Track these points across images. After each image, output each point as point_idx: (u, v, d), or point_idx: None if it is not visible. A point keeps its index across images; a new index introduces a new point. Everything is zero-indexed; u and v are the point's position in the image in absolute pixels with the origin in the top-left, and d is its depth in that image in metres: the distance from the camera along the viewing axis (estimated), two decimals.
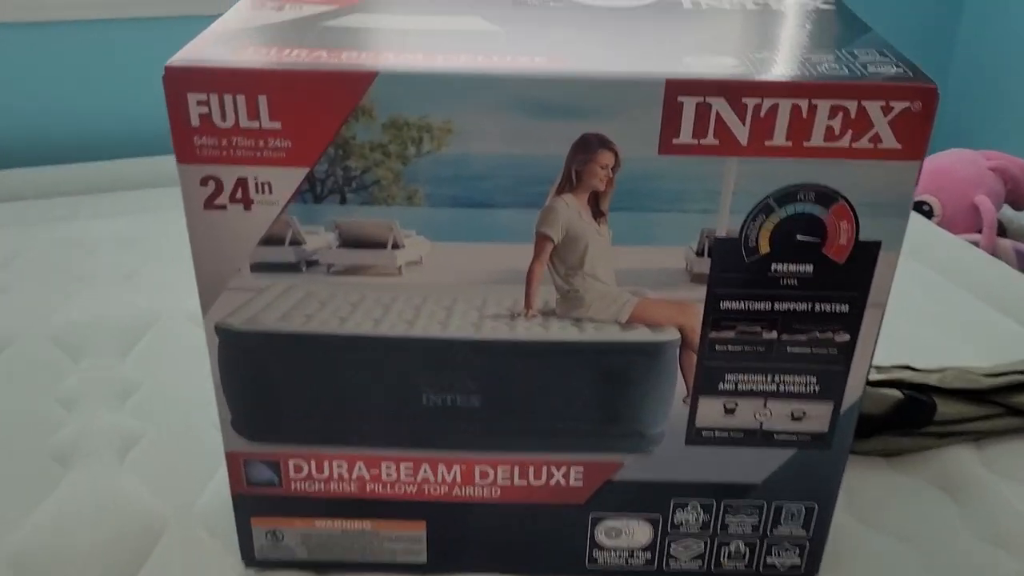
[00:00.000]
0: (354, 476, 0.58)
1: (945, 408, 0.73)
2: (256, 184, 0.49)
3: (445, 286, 0.52)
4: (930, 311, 0.95)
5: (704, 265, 0.51)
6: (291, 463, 0.58)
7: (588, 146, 0.47)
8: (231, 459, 0.58)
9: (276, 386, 0.55)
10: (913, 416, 0.73)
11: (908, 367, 0.78)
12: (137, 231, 1.08)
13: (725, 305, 0.52)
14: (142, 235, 1.07)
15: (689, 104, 0.46)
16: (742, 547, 0.60)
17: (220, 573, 0.62)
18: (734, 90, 0.46)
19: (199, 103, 0.47)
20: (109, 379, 0.81)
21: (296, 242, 0.51)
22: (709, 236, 0.50)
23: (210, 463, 0.72)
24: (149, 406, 0.78)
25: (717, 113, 0.47)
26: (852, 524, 0.67)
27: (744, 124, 0.47)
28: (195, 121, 0.47)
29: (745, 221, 0.49)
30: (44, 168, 1.22)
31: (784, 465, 0.57)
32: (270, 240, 0.51)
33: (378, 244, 0.51)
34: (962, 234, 1.34)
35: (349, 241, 0.51)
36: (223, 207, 0.50)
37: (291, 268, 0.52)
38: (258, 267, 0.51)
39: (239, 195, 0.49)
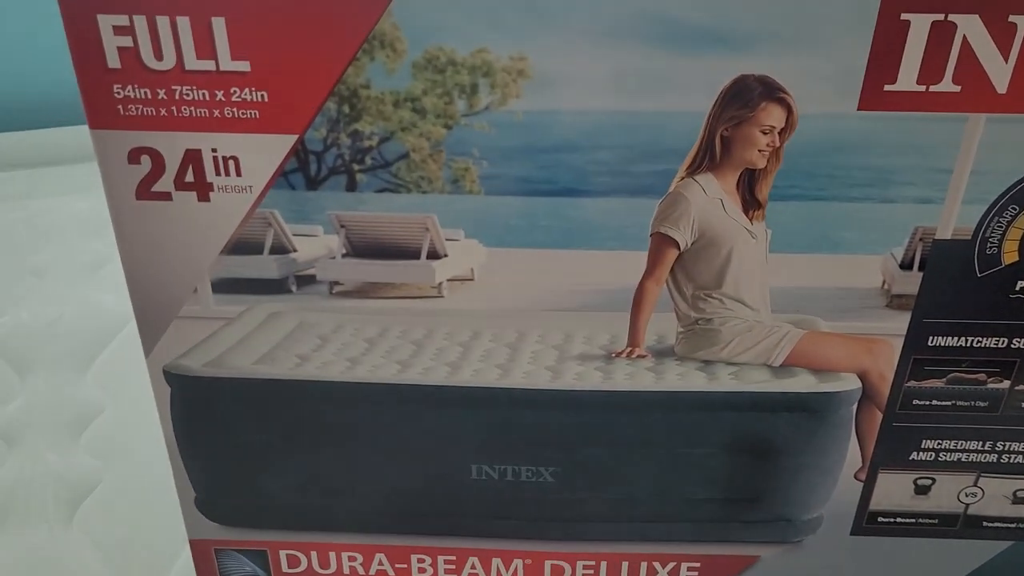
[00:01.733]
0: (372, 572, 0.41)
1: None
2: (216, 160, 0.31)
3: (508, 313, 0.34)
4: None
5: (912, 282, 0.33)
6: (283, 555, 0.41)
7: (746, 95, 0.29)
8: (198, 549, 0.41)
9: (257, 452, 0.38)
10: None
11: None
12: (106, 212, 0.91)
13: (936, 341, 0.34)
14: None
15: (919, 25, 0.28)
16: None
17: None
18: (998, 3, 0.28)
19: (117, 31, 0.29)
20: (62, 402, 0.64)
21: (281, 249, 0.33)
22: (925, 238, 0.32)
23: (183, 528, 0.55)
24: (109, 441, 0.61)
25: (964, 40, 0.28)
26: None
27: (1007, 61, 0.29)
28: (112, 61, 0.30)
29: (985, 217, 0.31)
30: None
31: (991, 564, 0.39)
32: (241, 246, 0.33)
33: (407, 252, 0.33)
34: None
35: (362, 247, 0.33)
36: (165, 195, 0.32)
37: (274, 287, 0.34)
38: (224, 286, 0.34)
39: (189, 177, 0.32)
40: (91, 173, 0.99)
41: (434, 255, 0.33)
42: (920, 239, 0.32)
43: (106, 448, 0.61)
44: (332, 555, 0.41)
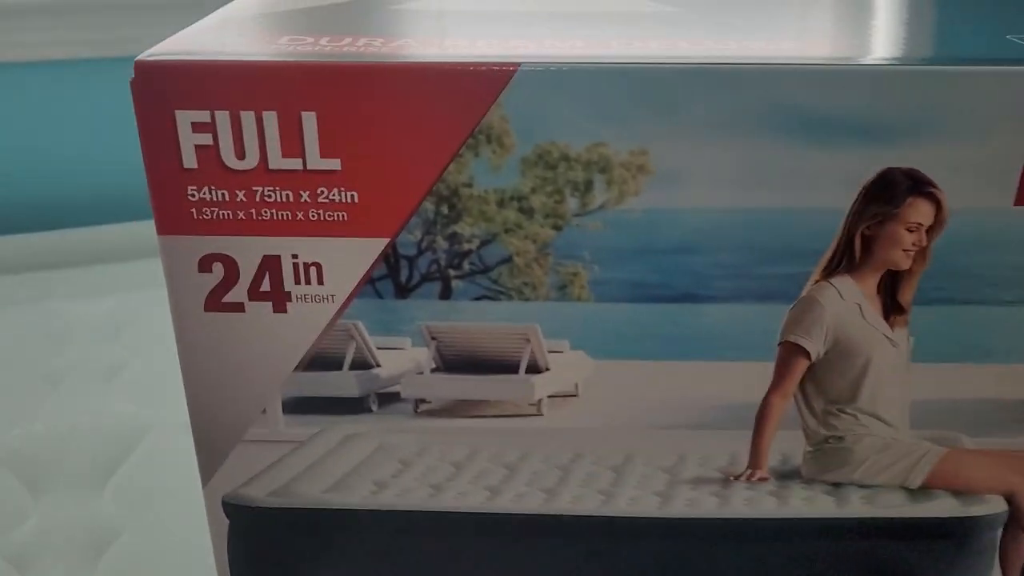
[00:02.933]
0: None
1: None
2: (296, 267, 0.28)
3: (614, 432, 0.31)
4: None
5: None
6: None
7: (891, 190, 0.27)
8: None
9: None
10: None
11: None
12: (123, 315, 0.87)
13: None
14: (129, 320, 0.86)
15: None
16: None
17: None
18: None
19: (196, 128, 0.26)
20: (77, 524, 0.60)
21: (363, 364, 0.30)
22: None
23: None
24: (129, 570, 0.57)
25: None
26: None
27: None
28: (189, 160, 0.27)
29: None
30: (5, 237, 1.01)
31: None
32: (319, 361, 0.30)
33: (504, 365, 0.30)
34: None
35: (454, 361, 0.30)
36: (238, 307, 0.29)
37: (353, 407, 0.31)
38: (296, 405, 0.30)
39: (265, 286, 0.28)
40: (107, 275, 0.96)
41: (534, 369, 0.30)
42: None
43: (128, 573, 0.56)
44: None
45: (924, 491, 0.31)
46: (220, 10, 0.32)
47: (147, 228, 1.02)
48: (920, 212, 0.27)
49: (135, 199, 1.15)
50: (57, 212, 1.11)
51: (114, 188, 1.13)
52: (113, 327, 0.85)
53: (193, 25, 0.29)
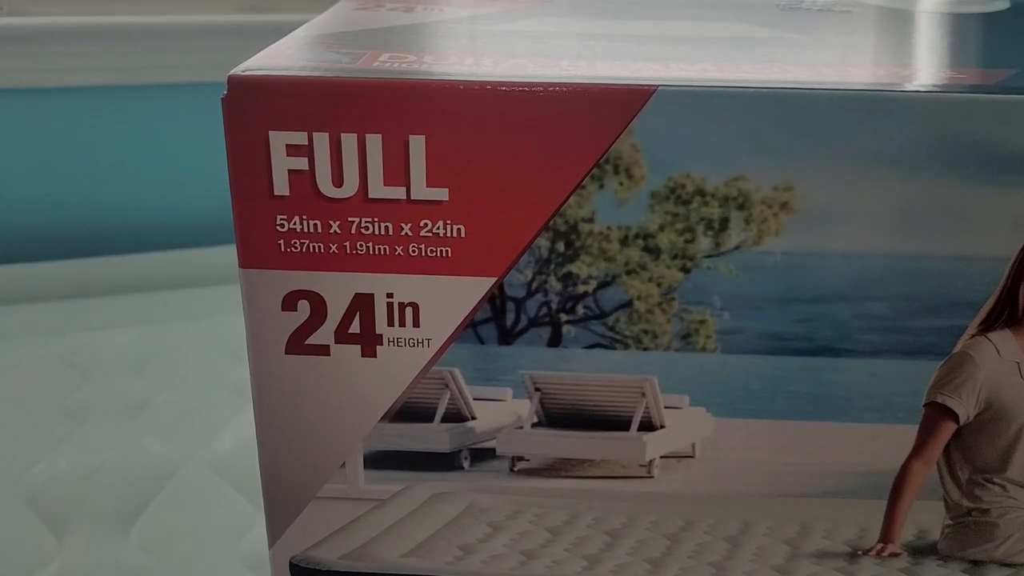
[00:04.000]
0: None
1: None
2: (391, 307, 0.25)
3: (732, 499, 0.28)
4: None
5: None
6: None
7: None
8: None
9: None
10: None
11: None
12: (149, 347, 0.84)
13: None
14: (155, 353, 0.83)
15: None
16: None
17: None
18: None
19: (291, 151, 0.24)
20: (102, 569, 0.56)
21: (457, 416, 0.27)
22: None
23: None
24: None
25: None
26: None
27: None
28: (281, 186, 0.24)
29: None
30: (28, 265, 0.98)
31: None
32: (408, 412, 0.27)
33: (614, 421, 0.27)
34: None
35: (559, 415, 0.27)
36: (323, 349, 0.26)
37: (442, 463, 0.28)
38: (379, 460, 0.27)
39: (355, 328, 0.26)
40: (132, 305, 0.93)
41: (648, 426, 0.27)
42: None
43: None
44: None
45: None
46: (303, 27, 0.29)
47: (175, 259, 1.00)
48: None
49: (160, 229, 1.13)
50: (81, 241, 1.09)
51: (136, 217, 1.11)
52: (137, 361, 0.82)
53: (280, 41, 0.27)
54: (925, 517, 0.28)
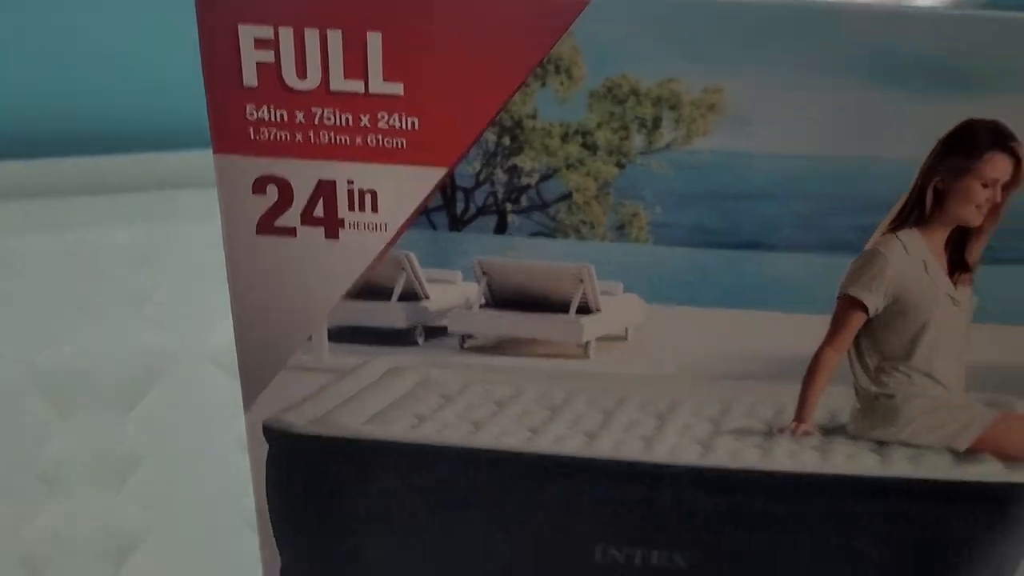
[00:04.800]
0: None
1: None
2: (351, 193, 0.28)
3: (662, 379, 0.30)
4: None
5: None
6: None
7: (970, 144, 0.26)
8: None
9: (361, 521, 0.34)
10: None
11: None
12: (152, 243, 0.87)
13: None
14: (158, 248, 0.86)
15: None
16: None
17: None
18: None
19: (259, 44, 0.26)
20: (105, 448, 0.60)
21: (412, 296, 0.29)
22: None
23: None
24: (155, 491, 0.57)
25: None
26: None
27: None
28: (250, 78, 0.26)
29: None
30: (34, 161, 1.00)
31: None
32: (368, 291, 0.29)
33: (554, 305, 0.30)
34: None
35: (504, 298, 0.30)
36: (290, 231, 0.28)
37: (399, 339, 0.30)
38: (342, 334, 0.30)
39: (319, 211, 0.28)
40: (132, 203, 0.95)
41: (585, 310, 0.29)
42: None
43: (153, 498, 0.57)
44: None
45: (970, 454, 0.31)
46: None
47: (180, 159, 1.02)
48: (998, 168, 0.26)
49: (166, 128, 1.14)
50: (87, 138, 1.11)
51: (143, 115, 1.12)
52: (139, 257, 0.85)
53: None
54: (836, 400, 0.30)
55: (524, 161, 0.27)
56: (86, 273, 0.82)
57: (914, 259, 0.28)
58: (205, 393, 0.67)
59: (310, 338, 0.30)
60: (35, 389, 0.66)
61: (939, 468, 0.31)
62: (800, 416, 0.30)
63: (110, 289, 0.79)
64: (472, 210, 0.28)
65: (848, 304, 0.28)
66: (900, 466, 0.31)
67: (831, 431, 0.31)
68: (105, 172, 1.00)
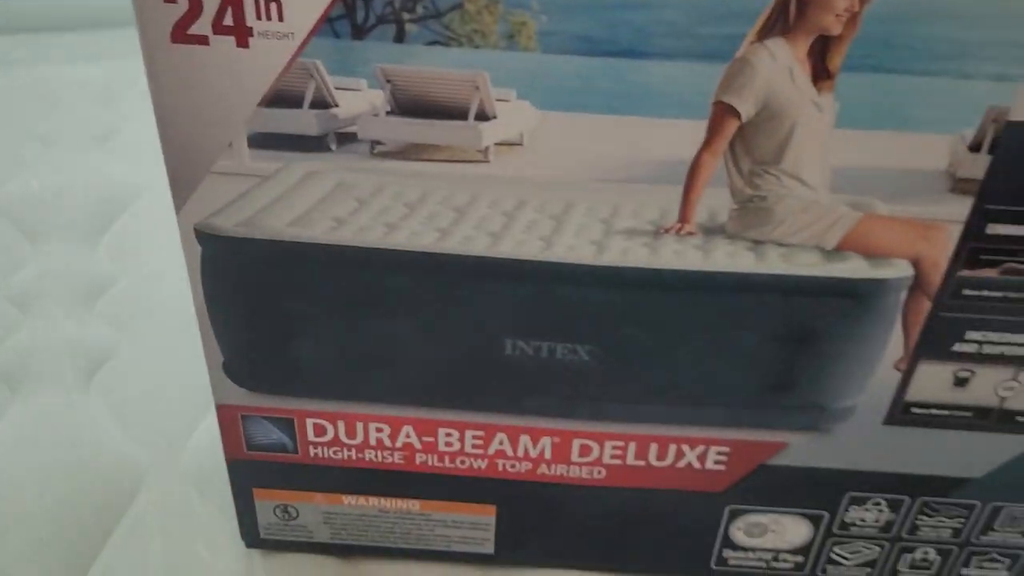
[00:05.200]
0: (399, 443, 0.41)
1: None
2: (257, 2, 0.29)
3: (556, 183, 0.33)
4: None
5: (979, 166, 0.31)
6: (310, 423, 0.41)
7: None
8: (224, 415, 0.41)
9: (289, 318, 0.37)
10: None
11: None
12: (117, 79, 0.88)
13: (995, 229, 0.33)
14: (123, 85, 0.87)
15: None
16: (932, 555, 0.44)
17: (216, 550, 0.46)
18: None
19: None
20: (74, 272, 0.64)
21: (322, 103, 0.32)
22: (998, 120, 0.30)
23: (203, 396, 0.55)
24: (123, 312, 0.61)
25: None
26: None
27: None
28: None
29: None
30: None
31: (1021, 456, 0.39)
32: (280, 98, 0.31)
33: (454, 111, 0.32)
34: None
35: (407, 105, 0.32)
36: (202, 39, 0.30)
37: (313, 145, 0.33)
38: (260, 140, 0.33)
39: (228, 20, 0.30)
40: (101, 41, 0.95)
41: (482, 116, 0.32)
42: (993, 120, 0.30)
43: (121, 318, 0.61)
44: (359, 425, 0.40)
45: (838, 253, 0.34)
46: None
47: None
48: None
49: None
50: None
51: None
52: (106, 93, 0.86)
53: None
54: (715, 202, 0.33)
55: None
56: (51, 109, 0.83)
57: (781, 66, 0.30)
58: (171, 225, 0.69)
59: (231, 144, 0.33)
60: (4, 220, 0.69)
61: (810, 266, 0.34)
62: (683, 216, 0.33)
63: (75, 125, 0.81)
64: (372, 19, 0.30)
65: (722, 110, 0.31)
66: (774, 263, 0.34)
67: (712, 231, 0.34)
68: (70, 9, 0.99)
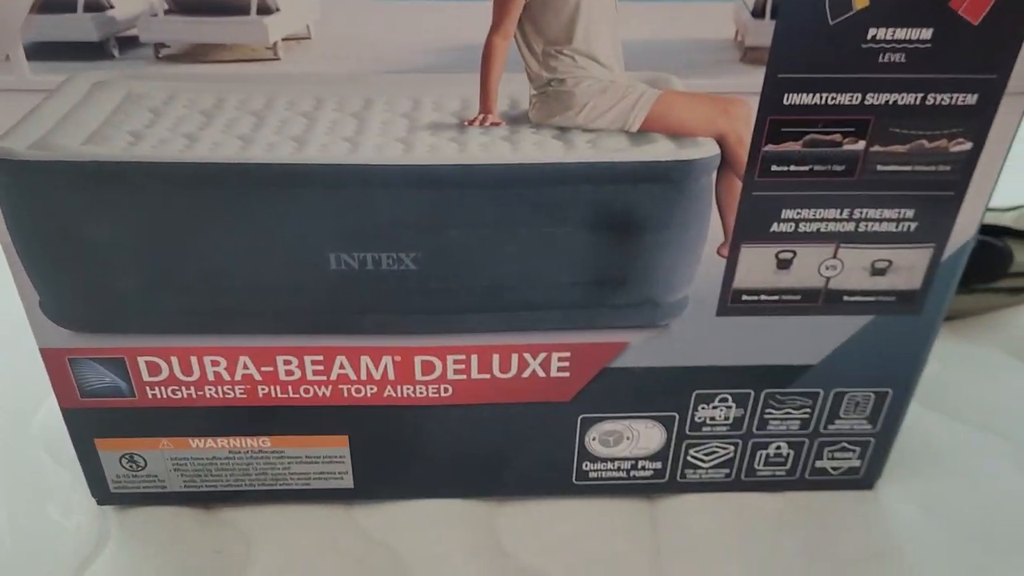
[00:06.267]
0: (238, 376, 0.40)
1: (1022, 256, 0.57)
2: None
3: (351, 77, 0.32)
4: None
5: (765, 32, 0.32)
6: (142, 362, 0.39)
7: None
8: (50, 359, 0.39)
9: (98, 246, 0.36)
10: (983, 266, 0.56)
11: None
12: None
13: (792, 99, 0.33)
14: None
15: None
16: (785, 449, 0.44)
17: (68, 511, 0.44)
18: None
19: None
20: None
21: (97, 6, 0.31)
22: None
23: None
24: None
25: None
26: (913, 409, 0.51)
27: None
28: None
29: None
30: None
31: (853, 339, 0.40)
32: (52, 3, 0.30)
33: (235, 7, 0.31)
34: None
35: (187, 3, 0.31)
36: None
37: (95, 53, 0.32)
38: (39, 51, 0.31)
39: None
40: None
41: (265, 10, 0.31)
42: None
43: None
44: (194, 360, 0.39)
45: (644, 135, 0.34)
46: None
47: None
48: None
49: None
50: None
51: None
52: None
53: None
54: (514, 88, 0.33)
55: None
56: None
57: None
58: None
59: (8, 57, 0.31)
60: None
61: (617, 151, 0.34)
62: (484, 106, 0.33)
63: None
64: None
65: None
66: (583, 151, 0.34)
67: (516, 120, 0.34)
68: None
